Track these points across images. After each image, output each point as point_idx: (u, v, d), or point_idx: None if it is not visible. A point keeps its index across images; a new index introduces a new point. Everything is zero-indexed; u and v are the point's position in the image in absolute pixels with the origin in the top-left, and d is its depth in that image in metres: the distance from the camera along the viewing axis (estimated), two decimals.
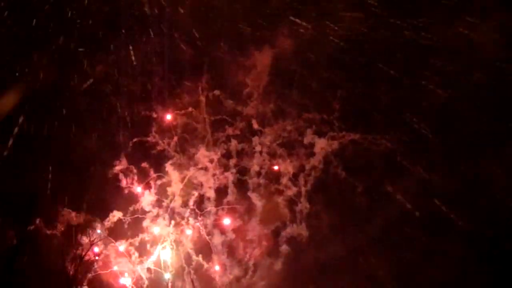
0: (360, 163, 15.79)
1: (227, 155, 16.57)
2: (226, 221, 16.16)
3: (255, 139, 16.43)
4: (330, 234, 15.41)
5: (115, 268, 15.84)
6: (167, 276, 15.90)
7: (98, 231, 15.70)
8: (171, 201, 16.53)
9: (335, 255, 15.17)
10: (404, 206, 15.30)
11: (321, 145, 15.97)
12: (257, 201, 15.98)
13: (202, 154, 16.76)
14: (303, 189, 15.84)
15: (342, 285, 15.23)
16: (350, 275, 15.21)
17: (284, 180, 15.99)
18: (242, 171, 16.38)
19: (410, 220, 15.11)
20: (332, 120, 16.07)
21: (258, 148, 16.31)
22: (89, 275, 15.17)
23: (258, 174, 16.19)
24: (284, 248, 15.64)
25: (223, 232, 16.13)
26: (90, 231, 15.32)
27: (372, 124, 15.92)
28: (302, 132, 16.20)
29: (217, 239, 16.15)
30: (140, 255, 16.09)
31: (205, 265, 16.15)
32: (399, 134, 15.68)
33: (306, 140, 16.12)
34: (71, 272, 14.35)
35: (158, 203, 16.51)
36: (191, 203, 16.43)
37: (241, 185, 16.26)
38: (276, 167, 16.29)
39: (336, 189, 15.72)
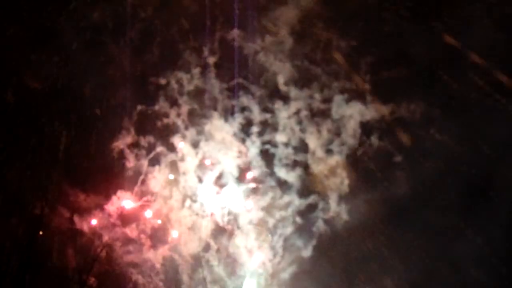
0: (394, 132, 14.45)
1: (247, 125, 14.51)
2: (250, 200, 14.26)
3: (279, 106, 14.47)
4: (368, 210, 14.01)
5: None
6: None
7: None
8: (184, 180, 14.39)
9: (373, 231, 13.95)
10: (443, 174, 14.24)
11: (352, 114, 14.33)
12: (286, 176, 14.20)
13: (216, 126, 14.62)
14: (335, 161, 14.20)
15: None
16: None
17: (315, 152, 14.26)
18: (266, 142, 14.44)
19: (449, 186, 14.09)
20: (363, 87, 14.45)
21: (283, 115, 14.38)
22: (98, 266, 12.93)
23: (286, 145, 14.34)
24: (317, 228, 14.00)
25: (247, 212, 14.22)
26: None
27: (405, 91, 14.55)
28: (331, 101, 14.45)
29: (239, 221, 14.23)
30: (153, 243, 13.94)
31: (226, 251, 14.25)
32: (434, 101, 14.50)
33: (336, 109, 14.44)
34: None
35: (170, 182, 14.35)
36: (208, 181, 14.37)
37: (267, 158, 14.34)
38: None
39: (372, 160, 14.28)
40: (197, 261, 14.12)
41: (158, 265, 13.88)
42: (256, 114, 14.43)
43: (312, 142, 14.23)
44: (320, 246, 13.94)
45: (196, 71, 14.67)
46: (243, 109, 14.62)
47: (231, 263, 14.14)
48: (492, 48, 13.72)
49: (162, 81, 14.44)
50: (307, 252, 13.98)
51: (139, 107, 14.30)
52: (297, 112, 14.36)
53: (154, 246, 13.92)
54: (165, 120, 14.51)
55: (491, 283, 13.58)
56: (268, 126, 14.40)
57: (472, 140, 14.05)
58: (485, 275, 13.58)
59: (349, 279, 14.04)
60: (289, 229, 13.97)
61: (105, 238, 13.39)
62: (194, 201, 14.35)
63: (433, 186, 14.11)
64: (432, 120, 14.31)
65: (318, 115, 14.34)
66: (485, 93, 14.12)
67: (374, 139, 14.27)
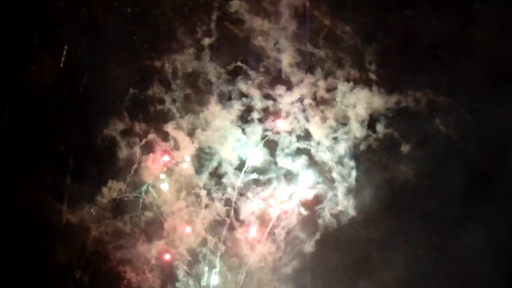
0: (402, 123, 13.84)
1: (247, 110, 13.60)
2: (252, 191, 13.44)
3: (281, 92, 13.60)
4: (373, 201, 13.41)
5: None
6: None
7: None
8: (180, 170, 13.47)
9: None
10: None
11: (358, 103, 13.58)
12: (290, 166, 13.42)
13: (213, 113, 13.68)
14: (342, 151, 13.46)
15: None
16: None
17: (321, 141, 13.49)
18: (269, 130, 13.59)
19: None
20: (369, 76, 13.63)
21: (287, 100, 13.53)
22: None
23: (289, 133, 13.52)
24: (323, 221, 13.30)
25: (248, 203, 13.39)
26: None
27: (412, 78, 13.92)
28: (336, 89, 13.55)
29: (240, 213, 13.41)
30: (147, 237, 12.98)
31: (225, 245, 13.43)
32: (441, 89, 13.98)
33: (341, 98, 13.52)
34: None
35: (165, 171, 13.40)
36: (206, 172, 13.48)
37: (269, 147, 13.52)
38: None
39: (378, 152, 13.64)
40: (194, 256, 13.30)
41: (153, 261, 12.99)
42: (257, 100, 13.60)
43: (316, 130, 13.53)
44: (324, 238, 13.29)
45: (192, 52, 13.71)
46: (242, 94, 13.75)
47: (231, 258, 13.36)
48: (502, 33, 13.36)
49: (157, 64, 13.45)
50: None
51: (131, 91, 13.26)
52: (301, 99, 13.61)
53: (148, 241, 12.99)
54: (159, 106, 13.55)
55: (497, 275, 13.34)
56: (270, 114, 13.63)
57: (479, 129, 13.72)
58: (491, 266, 13.33)
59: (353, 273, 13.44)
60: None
61: (97, 232, 12.37)
62: (191, 192, 13.48)
63: (439, 175, 13.72)
64: (438, 108, 13.87)
65: (322, 103, 13.62)
66: (493, 81, 13.76)
67: (379, 128, 13.68)
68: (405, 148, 13.54)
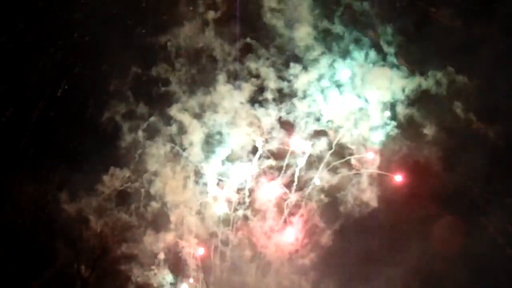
0: (423, 104, 13.04)
1: (259, 91, 12.54)
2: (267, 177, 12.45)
3: (296, 72, 12.58)
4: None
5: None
6: None
7: None
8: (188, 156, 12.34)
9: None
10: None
11: (374, 85, 12.69)
12: (309, 148, 12.40)
13: (222, 93, 12.59)
14: (363, 135, 12.60)
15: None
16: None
17: (340, 124, 12.56)
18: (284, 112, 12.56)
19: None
20: (388, 56, 12.83)
21: (302, 80, 12.50)
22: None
23: (307, 115, 12.51)
24: (343, 209, 12.42)
25: (263, 191, 12.38)
26: None
27: (431, 59, 13.18)
28: (353, 70, 12.63)
29: (254, 201, 12.41)
30: (156, 229, 11.85)
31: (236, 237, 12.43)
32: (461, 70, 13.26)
33: (358, 80, 12.64)
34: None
35: (173, 158, 12.25)
36: (216, 158, 12.40)
37: (285, 129, 12.50)
38: None
39: (399, 134, 12.84)
40: (205, 248, 12.27)
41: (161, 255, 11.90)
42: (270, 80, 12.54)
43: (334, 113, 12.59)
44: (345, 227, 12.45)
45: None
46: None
47: (244, 250, 12.38)
48: None
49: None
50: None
51: (134, 71, 12.05)
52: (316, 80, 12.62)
53: (156, 232, 11.89)
54: (164, 88, 12.40)
55: None
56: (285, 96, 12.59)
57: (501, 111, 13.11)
58: None
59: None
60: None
61: (99, 225, 11.14)
62: (200, 181, 12.41)
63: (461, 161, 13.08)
64: (459, 90, 13.18)
65: (341, 85, 12.68)
66: None
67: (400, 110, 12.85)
68: (426, 131, 12.80)
